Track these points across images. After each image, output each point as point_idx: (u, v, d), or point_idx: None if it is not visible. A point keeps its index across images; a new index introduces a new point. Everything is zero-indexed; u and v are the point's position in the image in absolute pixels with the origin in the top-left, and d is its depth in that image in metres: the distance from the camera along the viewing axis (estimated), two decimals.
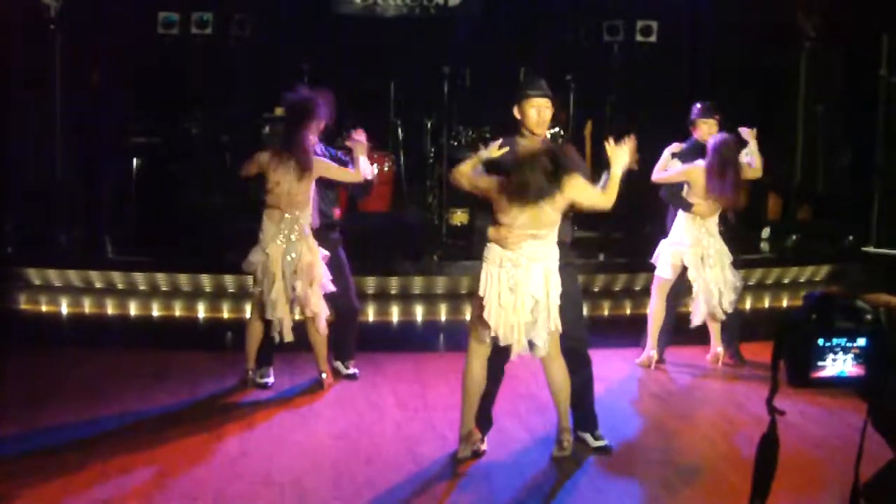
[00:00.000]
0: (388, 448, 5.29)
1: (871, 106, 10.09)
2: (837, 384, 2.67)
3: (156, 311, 8.39)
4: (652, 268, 6.94)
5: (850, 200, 10.39)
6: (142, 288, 8.57)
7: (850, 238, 10.12)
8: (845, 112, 10.60)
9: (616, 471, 5.05)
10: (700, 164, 6.55)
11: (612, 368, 6.66)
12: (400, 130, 10.37)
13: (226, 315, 8.36)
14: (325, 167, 6.06)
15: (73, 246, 9.33)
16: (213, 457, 5.11)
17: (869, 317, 2.65)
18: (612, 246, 9.56)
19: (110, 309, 8.39)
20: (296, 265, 5.96)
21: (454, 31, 10.91)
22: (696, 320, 6.76)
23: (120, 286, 8.56)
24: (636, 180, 6.17)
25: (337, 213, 6.56)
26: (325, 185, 6.24)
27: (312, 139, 5.98)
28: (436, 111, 9.94)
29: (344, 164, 6.18)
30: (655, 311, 6.83)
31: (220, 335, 7.89)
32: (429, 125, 10.01)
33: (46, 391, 6.12)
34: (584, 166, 5.28)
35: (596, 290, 8.84)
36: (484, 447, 5.17)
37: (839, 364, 2.64)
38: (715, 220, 6.68)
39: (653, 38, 10.37)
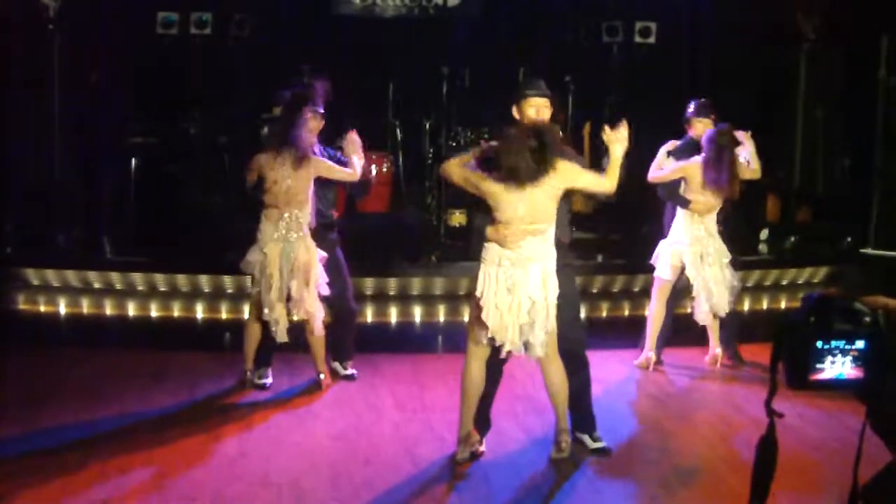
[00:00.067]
0: (387, 449, 5.29)
1: (870, 107, 10.09)
2: (836, 386, 2.67)
3: (154, 312, 8.39)
4: (650, 269, 6.94)
5: (850, 202, 10.38)
6: (141, 288, 8.57)
7: (849, 240, 10.11)
8: (845, 113, 10.59)
9: (614, 472, 5.05)
10: (696, 160, 6.55)
11: (610, 370, 6.65)
12: (399, 131, 10.35)
13: (224, 316, 8.36)
14: (324, 166, 6.06)
15: (72, 246, 9.31)
16: (211, 457, 5.12)
17: (867, 319, 2.66)
18: (610, 247, 9.56)
19: (109, 309, 8.39)
20: (293, 264, 5.97)
21: (453, 32, 10.91)
22: (699, 318, 6.75)
23: (119, 286, 8.56)
24: (635, 180, 6.16)
25: (335, 213, 6.56)
26: (323, 185, 6.23)
27: (310, 133, 5.97)
28: (435, 112, 9.93)
29: (343, 164, 6.18)
30: (655, 313, 6.82)
31: (218, 336, 7.89)
32: (427, 126, 9.98)
33: (46, 391, 6.12)
34: (571, 152, 5.23)
35: (594, 291, 8.84)
36: (482, 448, 5.17)
37: (838, 366, 2.64)
38: (713, 218, 6.67)
39: (652, 39, 10.37)
